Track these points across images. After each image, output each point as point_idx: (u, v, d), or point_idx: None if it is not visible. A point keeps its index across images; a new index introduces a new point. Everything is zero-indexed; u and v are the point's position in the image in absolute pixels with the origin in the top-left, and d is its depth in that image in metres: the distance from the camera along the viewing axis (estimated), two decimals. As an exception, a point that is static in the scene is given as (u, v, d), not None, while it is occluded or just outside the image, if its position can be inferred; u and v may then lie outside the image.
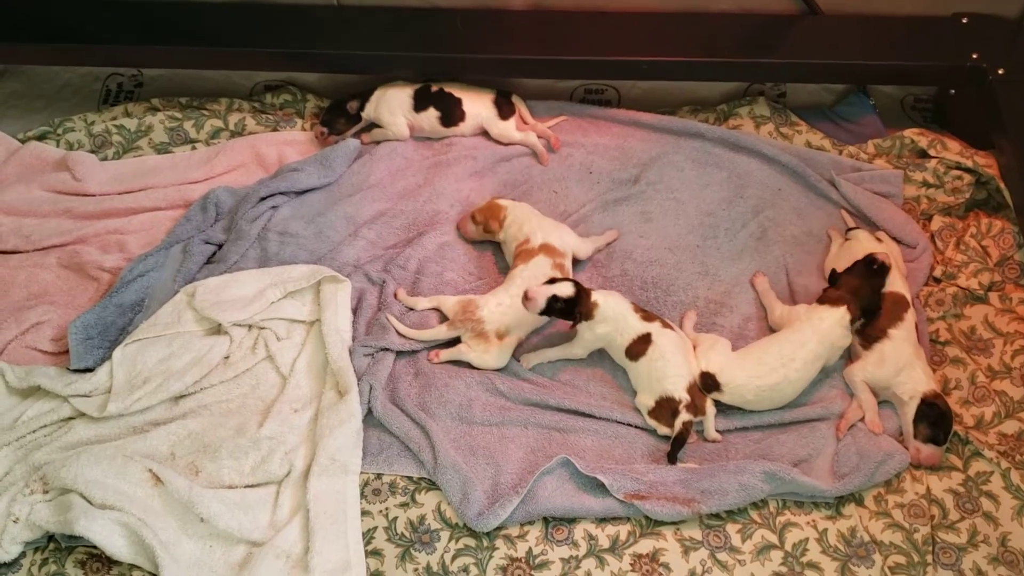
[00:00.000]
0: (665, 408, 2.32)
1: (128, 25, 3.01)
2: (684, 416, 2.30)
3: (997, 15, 2.86)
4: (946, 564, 2.14)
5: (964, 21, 2.86)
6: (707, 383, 2.37)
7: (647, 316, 2.42)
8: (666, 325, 2.42)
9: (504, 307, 2.46)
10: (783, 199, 2.83)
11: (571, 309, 2.34)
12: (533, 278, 2.48)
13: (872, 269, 2.43)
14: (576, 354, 2.48)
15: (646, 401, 2.36)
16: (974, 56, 2.76)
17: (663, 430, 2.34)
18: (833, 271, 2.46)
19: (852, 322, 2.37)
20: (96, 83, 3.29)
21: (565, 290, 2.32)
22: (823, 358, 2.37)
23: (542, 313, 2.34)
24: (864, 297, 2.39)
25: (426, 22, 2.98)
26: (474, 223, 2.69)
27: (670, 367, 2.33)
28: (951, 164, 2.75)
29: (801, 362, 2.33)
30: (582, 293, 2.35)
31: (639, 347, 2.36)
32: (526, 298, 2.31)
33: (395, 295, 2.59)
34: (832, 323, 2.36)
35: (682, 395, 2.31)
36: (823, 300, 2.41)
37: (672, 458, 2.29)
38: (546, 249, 2.55)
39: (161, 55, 3.06)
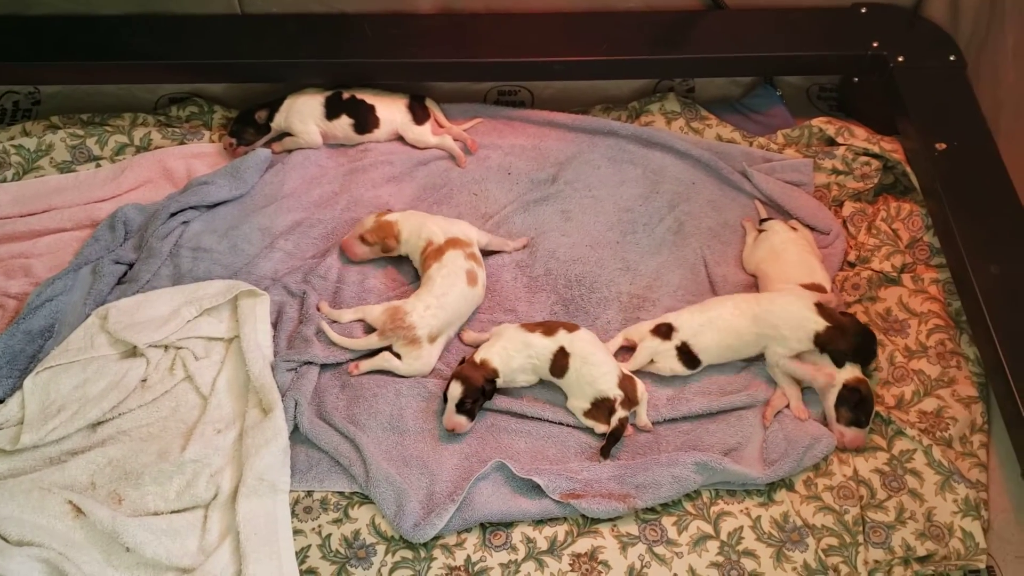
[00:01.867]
0: (602, 408, 2.32)
1: (22, 40, 2.90)
2: (620, 413, 2.30)
3: (894, 4, 2.94)
4: (876, 543, 2.19)
5: (863, 11, 2.94)
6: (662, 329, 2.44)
7: (548, 328, 2.40)
8: (571, 328, 2.41)
9: (433, 309, 2.44)
10: (697, 192, 2.86)
11: (484, 392, 2.32)
12: (452, 273, 2.48)
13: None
14: None
15: (580, 404, 2.35)
16: (874, 45, 2.84)
17: (601, 428, 2.34)
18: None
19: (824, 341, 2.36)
20: (-10, 102, 3.17)
21: (458, 390, 2.30)
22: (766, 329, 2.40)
23: (462, 413, 2.31)
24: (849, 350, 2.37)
25: (333, 28, 2.94)
26: (366, 244, 2.63)
27: (596, 369, 2.33)
28: (859, 151, 2.83)
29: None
30: (471, 377, 2.31)
31: (560, 362, 2.36)
32: (451, 427, 2.31)
33: (318, 308, 2.54)
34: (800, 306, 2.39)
35: (616, 392, 2.31)
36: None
37: (606, 453, 2.29)
38: (453, 243, 2.55)
39: (59, 71, 2.96)
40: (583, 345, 2.36)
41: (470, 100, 3.10)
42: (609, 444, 2.30)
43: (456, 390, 2.29)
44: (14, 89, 3.18)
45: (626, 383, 2.35)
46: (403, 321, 2.42)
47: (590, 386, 2.33)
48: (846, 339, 2.34)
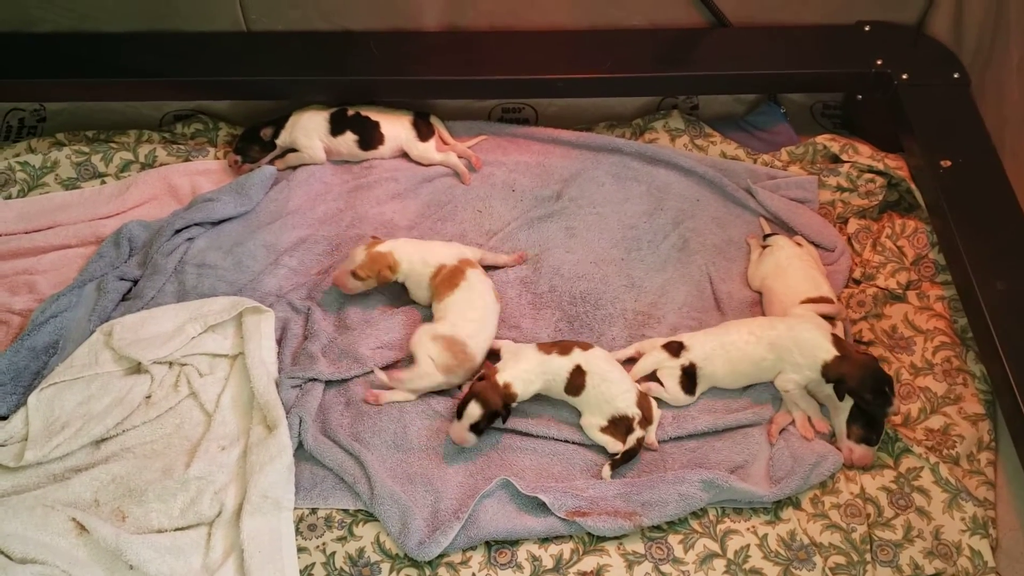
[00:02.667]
0: (619, 425, 2.31)
1: (28, 58, 2.92)
2: (638, 432, 2.29)
3: (898, 22, 2.95)
4: (884, 561, 2.17)
5: (867, 29, 2.94)
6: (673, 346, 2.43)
7: (563, 348, 2.38)
8: (584, 346, 2.40)
9: (479, 331, 2.44)
10: (702, 209, 2.87)
11: (501, 416, 2.29)
12: (482, 292, 2.49)
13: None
14: None
15: (596, 422, 2.33)
16: (878, 62, 2.85)
17: (615, 446, 2.32)
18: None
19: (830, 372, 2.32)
20: (-5, 119, 3.18)
21: (477, 411, 2.25)
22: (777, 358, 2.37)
23: (473, 431, 2.27)
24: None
25: (338, 46, 2.95)
26: (358, 279, 2.54)
27: (616, 387, 2.32)
28: (863, 168, 2.83)
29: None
30: (491, 400, 2.26)
31: (577, 380, 2.34)
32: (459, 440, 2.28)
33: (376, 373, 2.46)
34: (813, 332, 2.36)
35: (634, 411, 2.30)
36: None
37: (616, 471, 2.28)
38: (467, 263, 2.54)
39: (64, 88, 2.98)
40: (600, 363, 2.35)
41: (474, 118, 3.11)
42: (622, 462, 2.29)
43: (475, 411, 2.25)
44: (20, 106, 3.19)
45: (643, 401, 2.34)
46: (465, 353, 2.41)
47: (608, 404, 2.31)
48: (852, 372, 2.27)
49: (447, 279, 2.51)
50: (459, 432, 2.27)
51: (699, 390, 2.43)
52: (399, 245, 2.57)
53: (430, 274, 2.54)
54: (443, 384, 2.42)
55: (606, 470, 2.29)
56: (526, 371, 2.33)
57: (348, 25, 2.95)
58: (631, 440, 2.29)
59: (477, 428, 2.26)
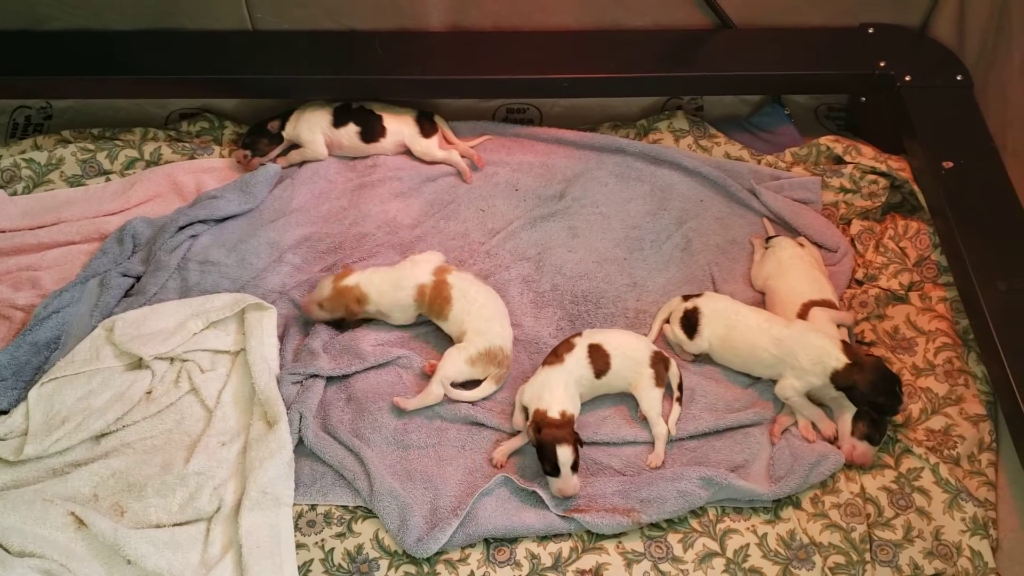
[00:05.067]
0: (658, 366, 2.39)
1: (35, 55, 2.93)
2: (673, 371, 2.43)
3: (901, 24, 2.95)
4: (884, 561, 2.16)
5: (870, 31, 2.94)
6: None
7: (567, 346, 2.38)
8: (579, 334, 2.43)
9: (499, 326, 2.47)
10: (705, 210, 2.87)
11: (581, 442, 2.24)
12: (472, 288, 2.50)
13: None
14: None
15: (637, 377, 2.38)
16: (882, 64, 2.85)
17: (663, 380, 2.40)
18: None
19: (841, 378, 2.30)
20: (2, 116, 3.18)
21: (569, 454, 2.18)
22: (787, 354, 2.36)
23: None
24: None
25: (343, 45, 2.96)
26: (323, 309, 2.51)
27: (636, 352, 2.40)
28: (866, 169, 2.83)
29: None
30: (567, 437, 2.20)
31: (600, 363, 2.36)
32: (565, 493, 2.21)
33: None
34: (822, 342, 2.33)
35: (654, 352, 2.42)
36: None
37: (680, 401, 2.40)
38: (443, 270, 2.53)
39: (71, 86, 2.99)
40: (607, 337, 2.39)
41: (479, 117, 3.12)
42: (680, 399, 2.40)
43: (567, 455, 2.17)
44: (26, 104, 3.20)
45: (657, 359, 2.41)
46: (506, 354, 2.44)
47: (637, 363, 2.37)
48: (864, 378, 2.26)
49: (436, 295, 2.48)
50: (567, 482, 2.19)
51: (696, 342, 2.46)
52: (366, 277, 2.51)
53: (412, 297, 2.50)
54: (492, 388, 2.44)
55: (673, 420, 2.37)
56: (564, 389, 2.30)
57: (353, 24, 2.96)
58: (673, 370, 2.42)
59: (576, 467, 2.20)
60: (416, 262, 2.57)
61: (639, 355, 2.39)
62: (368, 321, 2.58)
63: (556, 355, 2.38)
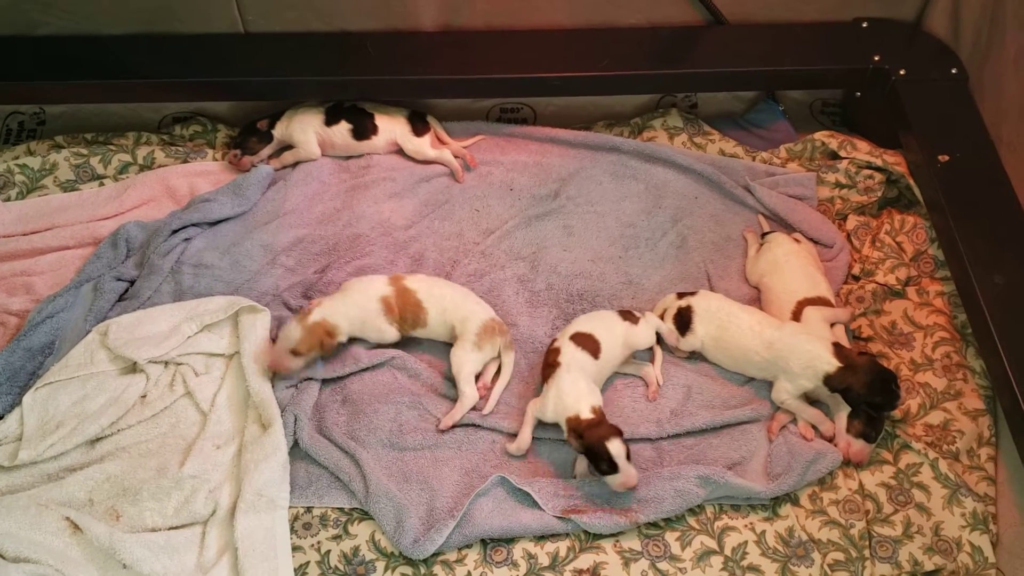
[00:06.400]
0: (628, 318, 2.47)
1: (28, 60, 2.93)
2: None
3: (895, 18, 2.94)
4: (883, 558, 2.15)
5: (864, 25, 2.93)
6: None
7: (556, 352, 2.39)
8: (560, 334, 2.44)
9: (477, 303, 2.50)
10: (700, 207, 2.85)
11: (620, 432, 2.20)
12: (432, 278, 2.54)
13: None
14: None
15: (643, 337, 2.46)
16: (876, 58, 2.84)
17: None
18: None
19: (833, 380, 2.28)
20: (-4, 122, 3.19)
21: (621, 447, 2.14)
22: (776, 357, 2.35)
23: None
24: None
25: (335, 46, 2.95)
26: (299, 355, 2.38)
27: (640, 328, 2.47)
28: (862, 164, 2.81)
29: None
30: (612, 430, 2.17)
31: (591, 347, 2.38)
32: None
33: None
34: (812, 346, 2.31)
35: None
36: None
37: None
38: (397, 278, 2.51)
39: (64, 91, 2.98)
40: (580, 324, 2.42)
41: (472, 118, 3.11)
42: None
43: (619, 447, 2.13)
44: (19, 109, 3.20)
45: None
46: (501, 323, 2.47)
47: (618, 332, 2.42)
48: (859, 380, 2.23)
49: (404, 303, 2.45)
50: (628, 473, 2.14)
51: (688, 339, 2.46)
52: (326, 307, 2.43)
53: (380, 310, 2.45)
54: (507, 372, 2.48)
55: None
56: (578, 385, 2.28)
57: (345, 26, 2.96)
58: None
59: (629, 457, 2.16)
60: (372, 280, 2.51)
61: (616, 326, 2.42)
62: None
63: (550, 364, 2.35)
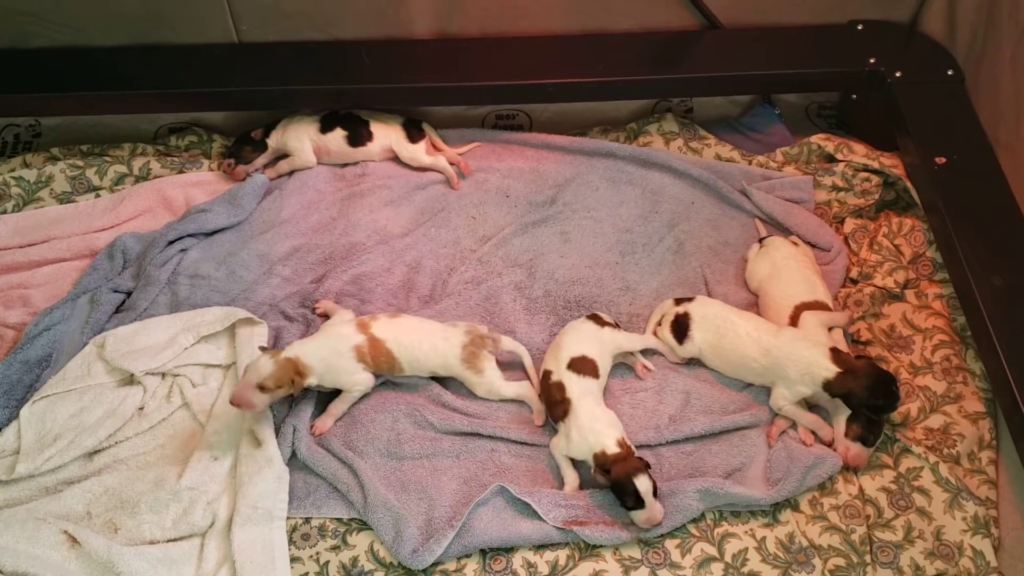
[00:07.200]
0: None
1: (23, 73, 2.93)
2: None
3: (891, 20, 2.94)
4: (885, 563, 2.14)
5: (860, 28, 2.93)
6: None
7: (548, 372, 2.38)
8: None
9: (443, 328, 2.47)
10: (697, 212, 2.85)
11: (648, 466, 2.19)
12: (394, 317, 2.48)
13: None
14: None
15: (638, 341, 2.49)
16: (872, 61, 2.83)
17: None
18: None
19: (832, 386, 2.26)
20: (-9, 135, 3.19)
21: (647, 483, 2.13)
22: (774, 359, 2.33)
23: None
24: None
25: (330, 55, 2.95)
26: (265, 391, 2.24)
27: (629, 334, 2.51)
28: (859, 167, 2.81)
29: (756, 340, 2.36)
30: (639, 465, 2.14)
31: (586, 367, 2.36)
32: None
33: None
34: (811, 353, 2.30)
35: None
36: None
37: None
38: (360, 322, 2.43)
39: (59, 103, 2.98)
40: (568, 347, 2.38)
41: (468, 125, 3.11)
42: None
43: (646, 484, 2.11)
44: (15, 122, 3.20)
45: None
46: (481, 328, 2.45)
47: (605, 343, 2.43)
48: (859, 384, 2.21)
49: (377, 354, 2.39)
50: (653, 510, 2.13)
51: (686, 346, 2.44)
52: (301, 349, 2.33)
53: (354, 356, 2.37)
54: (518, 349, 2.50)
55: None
56: (600, 410, 2.28)
57: (339, 34, 2.96)
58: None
59: (656, 493, 2.15)
60: (334, 323, 2.47)
61: (599, 335, 2.42)
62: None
63: (560, 403, 2.30)
